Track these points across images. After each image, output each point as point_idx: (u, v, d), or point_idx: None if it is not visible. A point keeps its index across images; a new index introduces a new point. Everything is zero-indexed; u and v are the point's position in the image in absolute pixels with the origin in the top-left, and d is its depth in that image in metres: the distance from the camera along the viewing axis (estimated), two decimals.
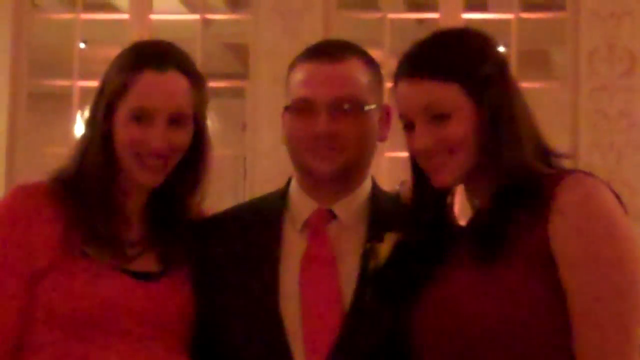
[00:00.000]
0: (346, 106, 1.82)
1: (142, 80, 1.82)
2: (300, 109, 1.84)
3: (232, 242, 1.90)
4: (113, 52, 1.95)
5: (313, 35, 4.19)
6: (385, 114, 1.92)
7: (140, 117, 1.82)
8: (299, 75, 1.86)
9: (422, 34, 1.78)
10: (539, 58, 7.16)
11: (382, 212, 1.88)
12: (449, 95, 1.66)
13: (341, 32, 4.40)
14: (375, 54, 2.04)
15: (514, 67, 3.46)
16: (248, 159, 4.61)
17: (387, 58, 4.37)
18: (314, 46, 1.91)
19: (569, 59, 4.54)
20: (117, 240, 1.81)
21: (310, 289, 1.81)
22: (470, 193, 1.76)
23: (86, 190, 1.81)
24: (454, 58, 1.67)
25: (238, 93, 6.04)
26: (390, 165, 4.37)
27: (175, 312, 1.83)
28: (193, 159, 1.90)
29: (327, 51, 1.88)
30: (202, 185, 1.94)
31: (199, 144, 1.90)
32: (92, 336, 1.74)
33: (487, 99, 1.66)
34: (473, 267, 1.64)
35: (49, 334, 1.75)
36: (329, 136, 1.81)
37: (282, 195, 1.94)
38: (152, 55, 1.86)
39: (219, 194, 2.02)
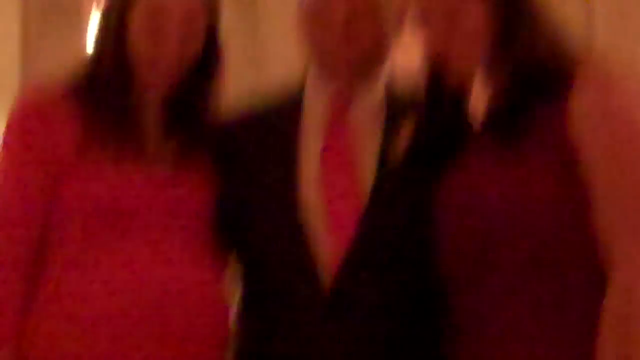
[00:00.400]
0: None
1: None
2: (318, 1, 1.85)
3: (251, 136, 1.92)
4: None
5: None
6: (402, 9, 1.89)
7: (155, 15, 1.82)
8: None
9: None
10: None
11: (400, 101, 1.88)
12: None
13: None
14: None
15: None
16: (259, 46, 4.59)
17: None
18: None
19: None
20: (134, 137, 1.83)
21: (330, 180, 1.83)
22: (486, 84, 1.74)
23: (102, 86, 1.82)
24: None
25: None
26: (403, 53, 4.31)
27: (194, 207, 1.85)
28: (208, 55, 1.90)
29: None
30: (218, 80, 1.94)
31: (211, 47, 1.90)
32: (115, 230, 1.77)
33: None
34: (493, 151, 1.65)
35: (72, 230, 1.78)
36: (348, 18, 1.81)
37: (299, 86, 1.95)
38: None
39: (231, 85, 2.00)
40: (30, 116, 1.81)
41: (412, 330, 1.78)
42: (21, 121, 1.82)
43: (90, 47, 2.43)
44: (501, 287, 1.62)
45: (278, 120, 1.92)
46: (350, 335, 1.75)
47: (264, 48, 4.60)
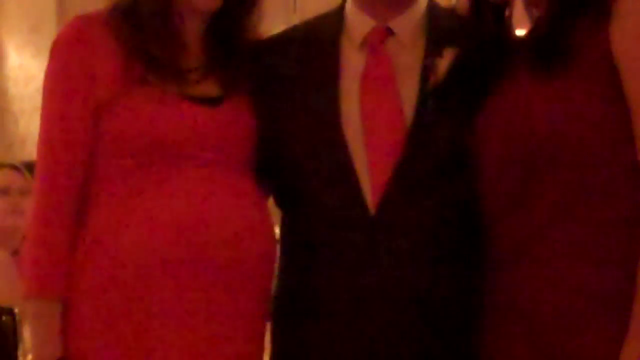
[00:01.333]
0: None
1: None
2: None
3: (291, 64, 1.91)
4: None
5: None
6: None
7: None
8: None
9: None
10: None
11: (439, 27, 1.87)
12: None
13: None
14: None
15: None
16: None
17: None
18: None
19: None
20: (177, 66, 1.81)
21: (372, 107, 1.82)
22: (528, 4, 1.73)
23: (144, 17, 1.80)
24: None
25: None
26: None
27: (239, 136, 1.85)
28: None
29: None
30: (258, 7, 1.92)
31: None
32: (160, 163, 1.77)
33: None
34: (534, 78, 1.63)
35: (118, 164, 1.78)
36: None
37: (338, 15, 1.93)
38: None
39: (269, 14, 1.99)
40: (72, 45, 1.80)
41: (455, 256, 1.80)
42: (63, 50, 1.81)
43: None
44: (544, 215, 1.61)
45: (318, 45, 1.92)
46: (396, 257, 1.77)
47: None
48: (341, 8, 1.94)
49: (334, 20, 1.93)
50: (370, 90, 1.84)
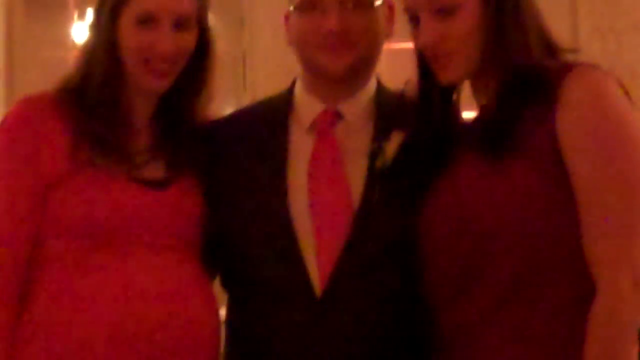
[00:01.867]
0: (354, 3, 1.83)
1: None
2: (309, 7, 1.85)
3: (240, 146, 1.92)
4: None
5: None
6: (389, 9, 1.92)
7: (146, 21, 1.81)
8: None
9: None
10: None
11: (387, 110, 1.89)
12: None
13: None
14: None
15: None
16: (247, 57, 4.54)
17: None
18: None
19: None
20: (125, 148, 1.81)
21: (319, 191, 1.84)
22: (476, 89, 1.75)
23: (93, 99, 1.80)
24: None
25: None
26: (390, 58, 4.29)
27: (187, 219, 1.85)
28: (198, 62, 1.89)
29: None
30: (207, 89, 1.93)
31: (203, 47, 1.89)
32: (105, 245, 1.75)
33: None
34: (480, 163, 1.64)
35: (62, 246, 1.76)
36: (339, 33, 1.82)
37: (287, 97, 1.95)
38: None
39: (220, 94, 2.02)
40: (20, 125, 1.79)
41: (400, 338, 1.80)
42: (11, 129, 1.80)
43: (75, 37, 2.40)
44: (491, 298, 1.61)
45: (267, 127, 1.92)
46: (339, 338, 1.77)
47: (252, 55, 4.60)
48: (291, 90, 1.96)
49: (284, 102, 1.94)
50: (318, 173, 1.85)
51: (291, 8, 1.88)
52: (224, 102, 2.05)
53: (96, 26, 1.86)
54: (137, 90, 1.85)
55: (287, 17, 1.91)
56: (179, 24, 1.83)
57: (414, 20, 1.71)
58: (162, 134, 1.89)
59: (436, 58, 1.70)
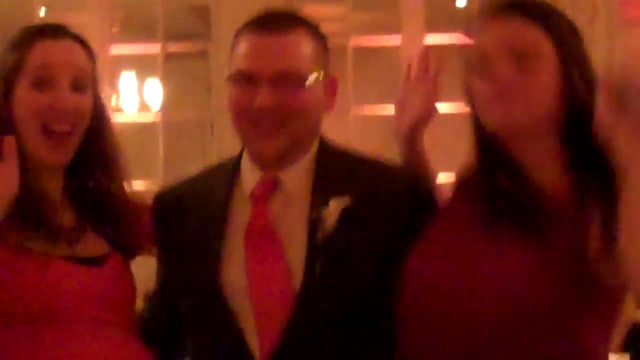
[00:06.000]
0: (288, 80, 1.78)
1: (38, 47, 1.79)
2: (241, 81, 1.80)
3: (183, 217, 1.88)
4: (75, 18, 2.25)
5: None
6: (331, 84, 1.89)
7: (43, 82, 1.78)
8: (242, 46, 1.82)
9: None
10: None
11: (329, 175, 1.83)
12: (536, 36, 1.64)
13: None
14: (337, 10, 2.65)
15: None
16: (215, 123, 4.43)
17: (350, 13, 4.51)
18: (258, 17, 1.86)
19: None
20: (52, 226, 1.78)
21: (257, 265, 1.76)
22: (519, 152, 1.65)
23: None
24: (543, 7, 1.69)
25: (202, 55, 5.11)
26: (360, 123, 4.42)
27: (123, 294, 1.84)
28: (96, 132, 1.87)
29: (272, 22, 1.83)
30: (114, 160, 1.89)
31: (99, 115, 1.87)
32: (48, 326, 1.72)
33: (570, 52, 1.65)
34: (493, 237, 1.62)
35: (3, 331, 1.71)
36: (272, 110, 1.76)
37: (235, 163, 1.89)
38: (45, 27, 1.85)
39: (189, 158, 2.20)
40: None
41: None
42: None
43: None
44: None
45: (212, 196, 1.87)
46: None
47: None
48: (240, 154, 1.90)
49: (230, 169, 1.88)
50: (255, 247, 1.78)
51: (228, 77, 1.83)
52: (193, 167, 2.00)
53: None
54: (39, 165, 1.80)
55: (226, 86, 1.85)
56: (76, 84, 1.80)
57: (483, 62, 1.65)
58: (85, 210, 1.86)
59: (502, 99, 1.63)
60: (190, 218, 1.85)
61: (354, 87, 4.42)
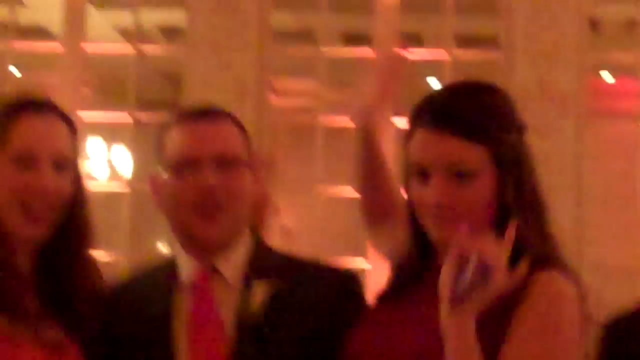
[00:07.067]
0: (228, 161, 1.84)
1: (22, 124, 1.78)
2: (186, 167, 1.83)
3: (129, 311, 1.89)
4: (48, 78, 2.26)
5: (246, 67, 4.34)
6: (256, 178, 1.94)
7: (25, 160, 1.77)
8: (178, 136, 1.85)
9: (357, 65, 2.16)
10: None
11: (258, 264, 1.88)
12: (476, 156, 1.65)
13: (275, 64, 4.53)
14: (309, 84, 2.56)
15: None
16: None
17: (321, 89, 4.51)
18: (188, 111, 1.94)
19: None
20: (19, 311, 1.75)
21: (200, 353, 1.81)
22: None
23: None
24: (485, 120, 1.66)
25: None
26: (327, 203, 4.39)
27: None
28: (73, 208, 1.84)
29: (203, 113, 1.90)
30: (87, 236, 1.88)
31: (77, 192, 1.86)
32: None
33: (509, 167, 1.67)
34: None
35: None
36: (215, 189, 1.81)
37: (169, 259, 1.93)
38: (28, 101, 1.83)
39: (156, 230, 2.26)
40: None
41: None
42: None
43: None
44: None
45: (155, 289, 1.90)
46: None
47: None
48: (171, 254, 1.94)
49: (172, 262, 1.91)
50: (197, 334, 1.82)
51: (162, 172, 1.86)
52: (159, 240, 2.10)
53: None
54: (11, 241, 1.78)
55: (155, 183, 1.88)
56: (57, 164, 1.80)
57: (422, 173, 1.68)
58: (48, 294, 1.83)
59: (439, 216, 1.67)
60: (135, 315, 1.87)
61: (324, 166, 4.44)
